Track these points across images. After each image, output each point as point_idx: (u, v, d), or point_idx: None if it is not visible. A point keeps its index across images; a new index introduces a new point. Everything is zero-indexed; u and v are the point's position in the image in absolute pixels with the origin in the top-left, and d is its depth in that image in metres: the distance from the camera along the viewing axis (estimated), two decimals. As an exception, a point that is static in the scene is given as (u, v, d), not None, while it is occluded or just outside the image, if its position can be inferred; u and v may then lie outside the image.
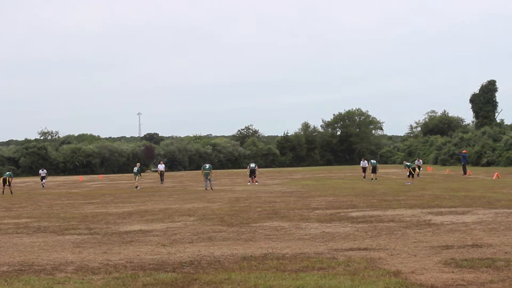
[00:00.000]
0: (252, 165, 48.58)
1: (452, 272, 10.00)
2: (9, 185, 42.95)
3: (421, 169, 49.66)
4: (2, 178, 43.51)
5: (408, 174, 41.47)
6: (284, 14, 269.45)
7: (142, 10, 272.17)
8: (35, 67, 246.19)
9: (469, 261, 10.80)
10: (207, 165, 39.18)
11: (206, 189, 37.52)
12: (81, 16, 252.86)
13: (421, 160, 52.56)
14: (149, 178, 68.15)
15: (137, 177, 44.24)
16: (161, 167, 54.04)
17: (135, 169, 44.68)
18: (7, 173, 46.15)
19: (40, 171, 58.10)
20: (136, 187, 43.56)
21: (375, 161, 48.37)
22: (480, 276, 9.63)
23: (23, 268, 11.40)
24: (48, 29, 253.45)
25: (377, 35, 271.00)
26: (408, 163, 44.94)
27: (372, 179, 46.05)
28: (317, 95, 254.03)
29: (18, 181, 71.38)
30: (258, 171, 50.06)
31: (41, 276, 10.53)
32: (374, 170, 47.07)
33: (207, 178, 38.10)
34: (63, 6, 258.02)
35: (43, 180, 55.98)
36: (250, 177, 48.06)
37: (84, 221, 20.38)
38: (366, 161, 50.94)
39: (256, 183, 45.93)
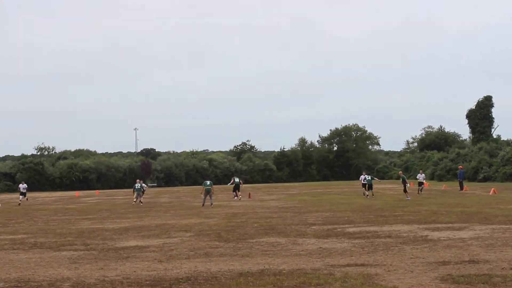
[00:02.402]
0: (237, 179, 48.07)
1: (449, 288, 10.00)
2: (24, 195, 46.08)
3: (422, 185, 47.02)
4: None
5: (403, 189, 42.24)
6: (280, 28, 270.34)
7: (137, 24, 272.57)
8: (31, 82, 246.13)
9: (466, 277, 10.80)
10: (208, 182, 38.85)
11: (203, 205, 37.28)
12: (76, 31, 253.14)
13: (423, 174, 49.66)
14: (145, 194, 67.98)
15: (138, 193, 43.79)
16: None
17: (137, 185, 44.29)
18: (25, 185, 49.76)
19: (20, 185, 52.41)
20: (134, 202, 43.33)
21: (370, 177, 46.68)
22: (477, 292, 9.63)
23: (20, 285, 11.36)
24: (43, 44, 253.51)
25: (373, 49, 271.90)
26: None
27: (367, 195, 44.69)
28: (313, 110, 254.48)
29: (14, 197, 71.26)
30: (243, 186, 49.07)
31: (37, 292, 10.51)
32: (370, 187, 45.51)
33: (208, 194, 37.78)
34: (58, 21, 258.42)
35: (24, 196, 50.98)
36: (234, 191, 47.75)
37: (81, 237, 20.33)
38: (365, 175, 47.83)
39: (238, 198, 45.86)
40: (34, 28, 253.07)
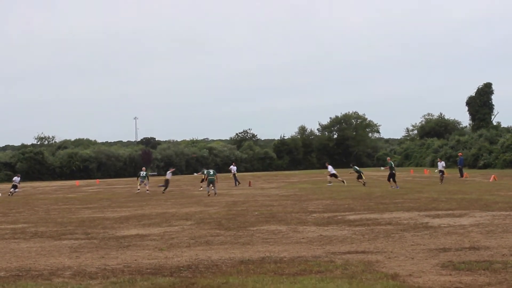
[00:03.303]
0: (211, 171, 40.17)
1: (450, 274, 10.00)
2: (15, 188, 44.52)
3: (443, 173, 43.92)
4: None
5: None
6: (281, 17, 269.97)
7: (138, 15, 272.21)
8: (31, 72, 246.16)
9: (467, 264, 10.80)
10: (211, 171, 38.48)
11: (209, 194, 36.84)
12: (77, 22, 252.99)
13: (443, 162, 46.81)
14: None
15: (142, 180, 43.81)
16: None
17: (142, 173, 44.31)
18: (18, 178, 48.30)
19: (15, 177, 50.60)
20: (138, 190, 43.27)
21: (356, 167, 46.01)
22: (477, 278, 9.63)
23: (20, 274, 11.37)
24: (44, 35, 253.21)
25: (373, 38, 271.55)
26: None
27: (364, 184, 43.54)
28: (314, 98, 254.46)
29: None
30: (218, 179, 45.46)
31: (38, 281, 10.51)
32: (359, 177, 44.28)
33: (211, 183, 37.36)
34: (59, 12, 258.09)
35: (15, 189, 49.03)
36: (208, 186, 39.98)
37: (81, 226, 20.34)
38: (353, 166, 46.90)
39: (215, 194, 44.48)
40: (33, 20, 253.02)
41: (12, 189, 49.09)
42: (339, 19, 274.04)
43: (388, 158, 43.94)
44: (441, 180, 42.97)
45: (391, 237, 14.74)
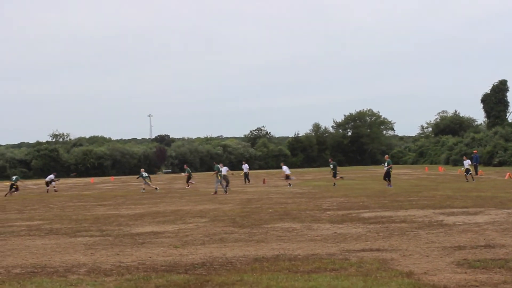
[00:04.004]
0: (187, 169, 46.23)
1: (465, 272, 9.96)
2: (17, 189, 43.73)
3: (469, 171, 43.45)
4: (10, 183, 44.34)
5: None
6: (295, 14, 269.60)
7: (150, 12, 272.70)
8: (45, 69, 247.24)
9: (482, 262, 10.75)
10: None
11: (216, 192, 36.78)
12: (90, 20, 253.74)
13: (469, 160, 45.87)
14: (159, 180, 68.04)
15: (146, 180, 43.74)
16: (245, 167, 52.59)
17: (145, 174, 44.16)
18: (14, 177, 46.45)
19: (51, 176, 50.30)
20: (143, 190, 43.20)
21: (334, 163, 45.32)
22: (493, 276, 9.58)
23: (36, 270, 11.42)
24: (58, 32, 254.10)
25: (387, 35, 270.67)
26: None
27: (334, 184, 42.92)
28: (328, 96, 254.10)
29: (30, 184, 71.65)
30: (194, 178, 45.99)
31: (53, 278, 10.55)
32: (334, 174, 43.97)
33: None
34: (72, 10, 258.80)
35: (51, 184, 48.85)
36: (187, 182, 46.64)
37: (96, 223, 20.41)
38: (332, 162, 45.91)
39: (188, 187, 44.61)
40: (47, 16, 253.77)
41: (53, 183, 48.42)
42: (352, 15, 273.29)
43: (386, 156, 42.65)
44: (467, 178, 42.27)
45: (406, 235, 14.69)
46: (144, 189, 43.08)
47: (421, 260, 11.26)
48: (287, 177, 44.36)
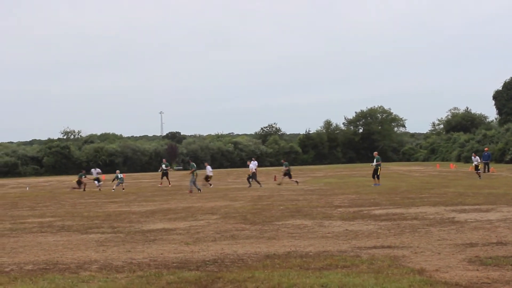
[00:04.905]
0: (164, 166, 46.15)
1: (477, 270, 9.93)
2: (81, 184, 45.18)
3: (479, 168, 43.34)
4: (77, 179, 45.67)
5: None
6: (304, 10, 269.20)
7: (162, 10, 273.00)
8: (57, 67, 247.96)
9: (494, 259, 10.72)
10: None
11: (191, 191, 35.65)
12: (102, 17, 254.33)
13: (478, 157, 45.47)
14: (172, 176, 68.10)
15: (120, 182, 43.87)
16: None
17: (119, 175, 44.48)
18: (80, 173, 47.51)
19: (93, 170, 48.14)
20: (113, 189, 42.77)
21: (287, 163, 44.29)
22: (505, 274, 9.55)
23: (48, 267, 11.46)
24: (69, 29, 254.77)
25: (398, 33, 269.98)
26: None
27: (279, 183, 42.59)
28: (339, 93, 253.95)
29: (41, 180, 71.91)
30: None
31: (65, 275, 10.58)
32: (287, 173, 42.81)
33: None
34: (83, 8, 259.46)
35: (98, 181, 45.93)
36: (162, 178, 46.26)
37: (108, 220, 20.46)
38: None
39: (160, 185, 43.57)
40: (58, 14, 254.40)
41: (96, 182, 45.83)
42: (363, 12, 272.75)
43: (376, 152, 41.71)
44: (479, 175, 41.92)
45: (417, 232, 14.66)
46: (113, 189, 42.97)
47: (432, 257, 11.23)
48: (207, 178, 43.00)
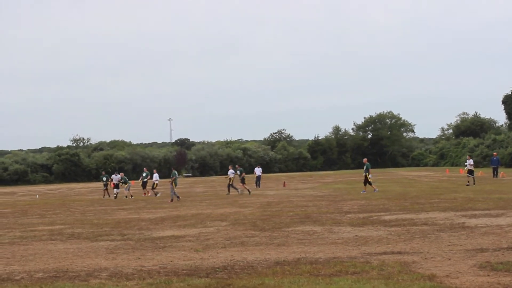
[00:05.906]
0: (144, 174, 45.25)
1: (488, 275, 9.89)
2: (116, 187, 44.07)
3: (473, 173, 41.78)
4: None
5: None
6: (313, 17, 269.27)
7: (171, 16, 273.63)
8: (65, 75, 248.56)
9: (505, 264, 10.67)
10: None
11: (172, 199, 35.17)
12: (110, 25, 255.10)
13: (471, 160, 43.67)
14: (180, 184, 68.19)
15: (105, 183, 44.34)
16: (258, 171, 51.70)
17: (104, 178, 45.24)
18: (104, 177, 47.48)
19: (113, 176, 45.83)
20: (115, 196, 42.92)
21: (241, 169, 42.70)
22: (516, 279, 9.51)
23: (58, 275, 11.47)
24: (77, 37, 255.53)
25: (406, 37, 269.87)
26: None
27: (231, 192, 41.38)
28: (347, 98, 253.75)
29: (51, 188, 72.06)
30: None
31: (75, 283, 10.60)
32: (242, 181, 40.93)
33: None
34: (91, 15, 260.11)
35: (117, 188, 44.02)
36: (144, 188, 44.68)
37: (117, 227, 20.49)
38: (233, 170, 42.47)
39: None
40: (66, 22, 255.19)
41: (115, 189, 43.73)
42: (372, 17, 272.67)
43: (365, 159, 39.57)
44: (469, 181, 40.49)
45: (427, 238, 14.62)
46: (108, 195, 43.28)
47: (443, 263, 11.20)
48: (153, 186, 43.50)
